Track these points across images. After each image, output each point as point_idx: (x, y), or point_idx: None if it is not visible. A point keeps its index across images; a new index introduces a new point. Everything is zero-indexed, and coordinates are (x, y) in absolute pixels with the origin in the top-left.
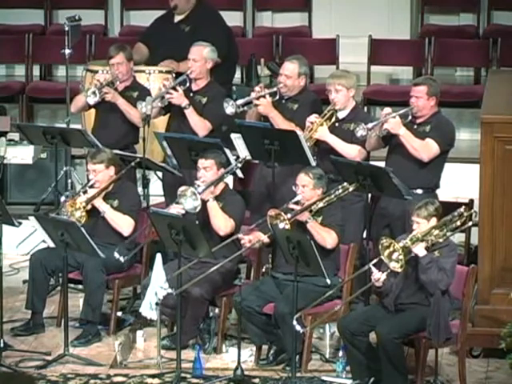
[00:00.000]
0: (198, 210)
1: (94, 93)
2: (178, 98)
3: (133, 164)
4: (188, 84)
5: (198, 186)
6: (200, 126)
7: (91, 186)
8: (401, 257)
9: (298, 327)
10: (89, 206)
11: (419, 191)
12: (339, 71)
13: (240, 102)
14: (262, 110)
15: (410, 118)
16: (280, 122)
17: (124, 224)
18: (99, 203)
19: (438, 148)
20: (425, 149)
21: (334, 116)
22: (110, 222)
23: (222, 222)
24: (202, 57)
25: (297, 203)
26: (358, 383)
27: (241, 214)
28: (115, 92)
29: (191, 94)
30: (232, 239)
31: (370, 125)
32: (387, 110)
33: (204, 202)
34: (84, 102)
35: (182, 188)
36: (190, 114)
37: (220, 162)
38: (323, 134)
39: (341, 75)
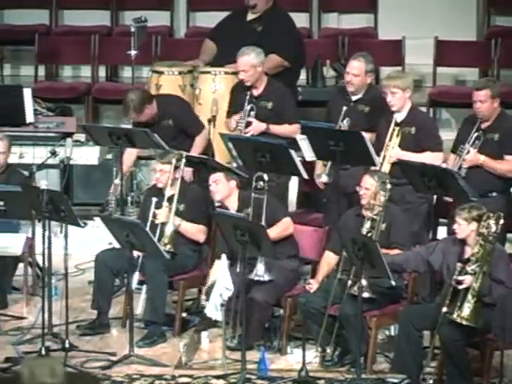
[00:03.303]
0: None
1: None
2: (256, 128)
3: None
4: (254, 106)
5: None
6: (289, 132)
7: (157, 206)
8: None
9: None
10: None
11: (494, 194)
12: (395, 72)
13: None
14: None
15: (481, 138)
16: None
17: (198, 233)
18: (172, 220)
19: None
20: (510, 168)
21: (399, 133)
22: (185, 234)
23: (283, 233)
24: (249, 65)
25: None
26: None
27: (283, 206)
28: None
29: (254, 100)
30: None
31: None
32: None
33: None
34: None
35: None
36: (275, 130)
37: (231, 175)
38: (397, 154)
39: (396, 76)
